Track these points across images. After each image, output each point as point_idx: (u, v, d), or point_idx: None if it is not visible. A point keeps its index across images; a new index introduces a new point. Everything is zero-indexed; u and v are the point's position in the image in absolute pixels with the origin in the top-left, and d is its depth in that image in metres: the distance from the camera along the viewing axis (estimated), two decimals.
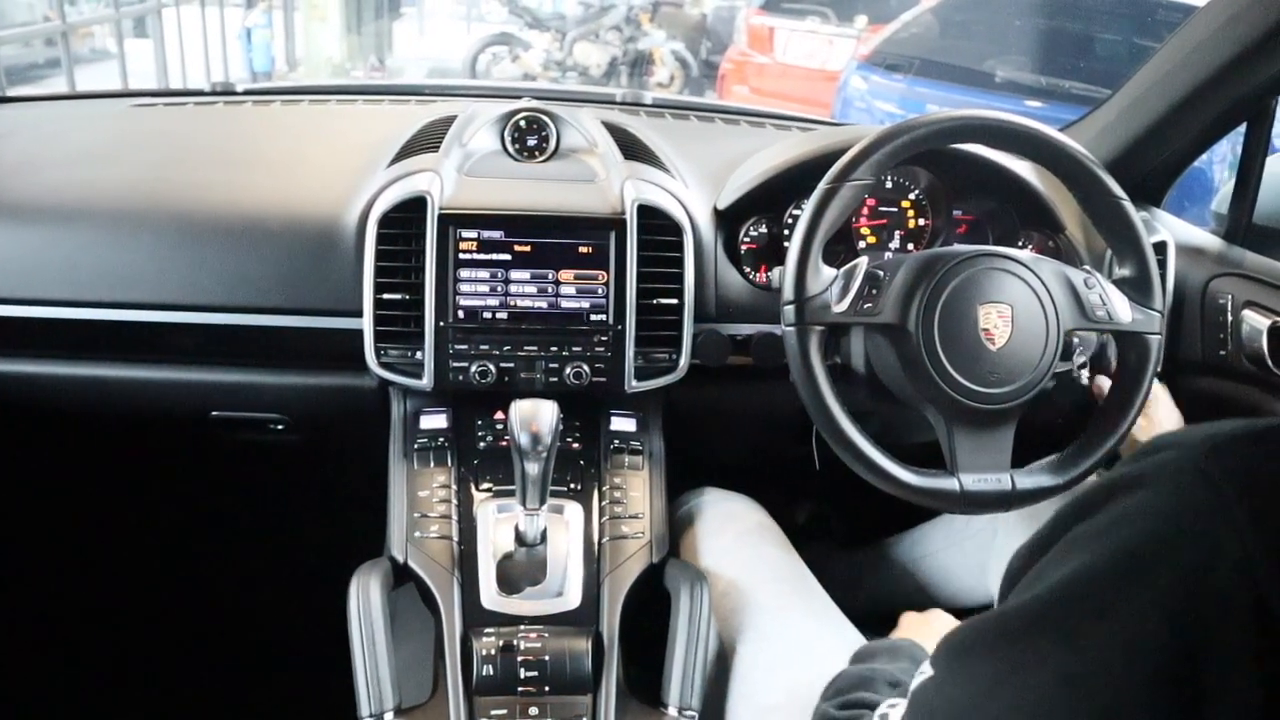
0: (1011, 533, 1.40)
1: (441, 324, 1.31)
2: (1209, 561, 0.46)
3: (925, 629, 1.18)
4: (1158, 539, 0.48)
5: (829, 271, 1.19)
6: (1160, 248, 1.47)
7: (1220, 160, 3.69)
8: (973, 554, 1.49)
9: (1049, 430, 1.32)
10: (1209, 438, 0.50)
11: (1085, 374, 1.33)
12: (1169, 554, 0.47)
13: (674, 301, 1.35)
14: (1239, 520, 0.46)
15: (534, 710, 1.12)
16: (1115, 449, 1.23)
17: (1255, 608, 0.44)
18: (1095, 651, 0.49)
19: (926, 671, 0.63)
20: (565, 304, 1.34)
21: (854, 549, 1.75)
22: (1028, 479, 1.20)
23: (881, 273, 1.19)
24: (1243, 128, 1.47)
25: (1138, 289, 1.23)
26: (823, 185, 1.19)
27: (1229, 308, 1.41)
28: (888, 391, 1.25)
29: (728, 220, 1.44)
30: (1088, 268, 1.26)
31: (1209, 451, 0.49)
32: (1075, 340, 1.30)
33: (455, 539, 1.26)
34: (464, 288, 1.32)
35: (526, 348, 1.33)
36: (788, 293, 1.18)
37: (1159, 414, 1.24)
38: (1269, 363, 1.34)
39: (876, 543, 1.72)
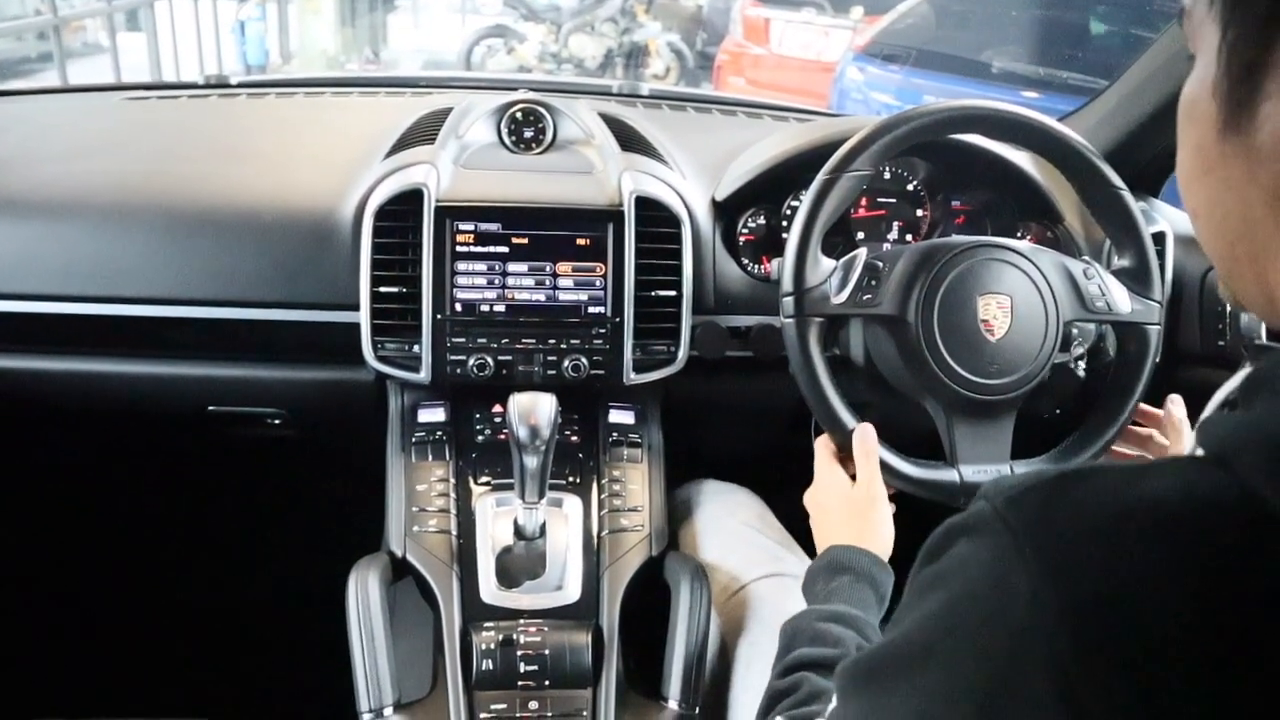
0: None
1: (439, 317, 1.30)
2: (1007, 603, 0.48)
3: (835, 507, 1.14)
4: (971, 587, 0.51)
5: (828, 263, 1.19)
6: (1159, 238, 1.47)
7: None
8: None
9: (1044, 422, 1.32)
10: (1010, 488, 0.53)
11: (1082, 366, 1.32)
12: (979, 601, 0.50)
13: (672, 293, 1.35)
14: (1029, 561, 0.48)
15: (534, 704, 1.12)
16: (1114, 439, 1.23)
17: (1049, 640, 0.46)
18: (927, 696, 0.52)
19: (833, 702, 0.66)
20: (563, 296, 1.33)
21: None
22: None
23: (880, 264, 1.19)
24: None
25: (1137, 279, 1.23)
26: (821, 176, 1.18)
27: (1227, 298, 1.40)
28: (886, 383, 1.24)
29: (726, 211, 1.44)
30: (1087, 258, 1.25)
31: (1007, 501, 0.51)
32: (1074, 331, 1.29)
33: (454, 533, 1.25)
34: (461, 280, 1.31)
35: (524, 341, 1.33)
36: (786, 284, 1.17)
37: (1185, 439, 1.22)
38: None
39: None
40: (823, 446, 1.19)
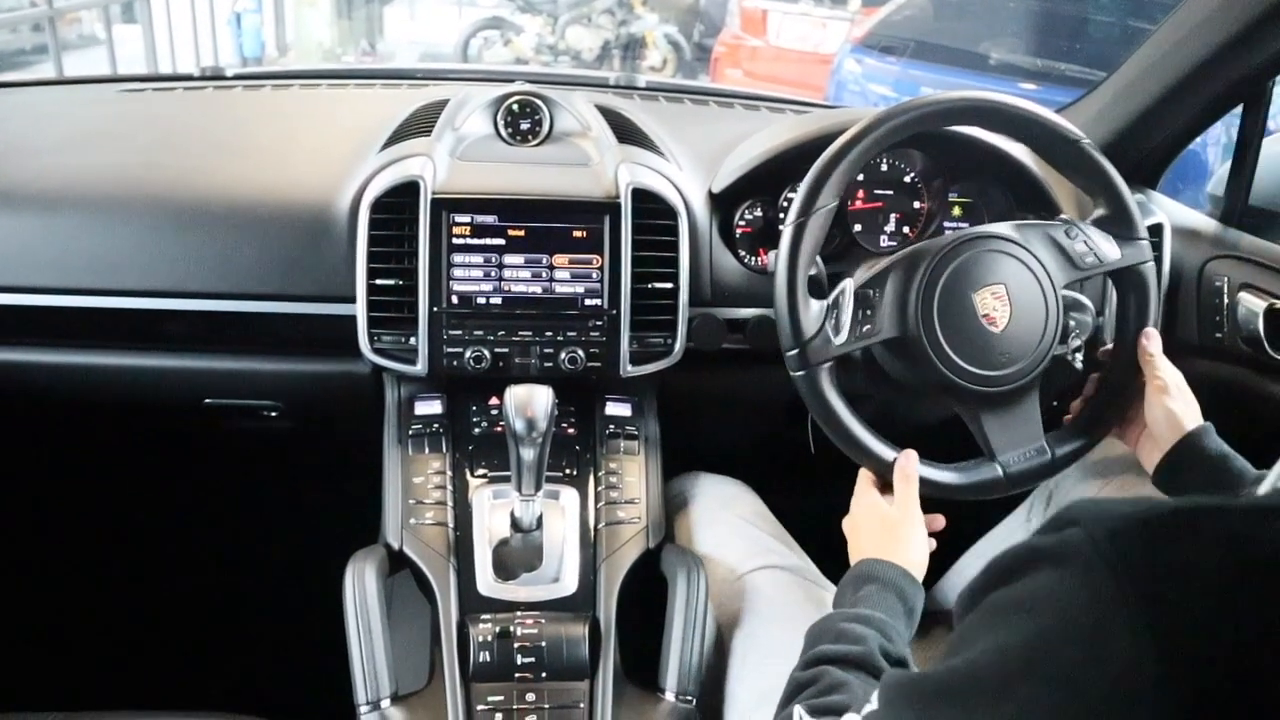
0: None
1: (435, 309, 1.30)
2: (1103, 651, 0.46)
3: (871, 525, 1.15)
4: (1058, 627, 0.48)
5: (818, 305, 1.17)
6: (1156, 230, 1.47)
7: (1214, 143, 3.68)
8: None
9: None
10: (1114, 520, 0.49)
11: (1079, 358, 1.32)
12: (1064, 645, 0.48)
13: (669, 285, 1.34)
14: (1133, 609, 0.45)
15: (531, 696, 1.12)
16: (1134, 394, 1.23)
17: (1149, 699, 0.44)
18: None
19: (874, 704, 0.65)
20: (559, 289, 1.33)
21: None
22: (1064, 445, 1.22)
23: (871, 291, 1.18)
24: (1238, 110, 1.47)
25: (1117, 223, 1.23)
26: (791, 221, 1.17)
27: (1225, 290, 1.40)
28: (884, 375, 1.24)
29: (723, 204, 1.44)
30: (1064, 216, 1.25)
31: (1110, 537, 0.48)
32: (1071, 323, 1.29)
33: (451, 525, 1.25)
34: (458, 273, 1.31)
35: (521, 333, 1.32)
36: (785, 340, 1.17)
37: (1180, 395, 1.20)
38: (1265, 345, 1.34)
39: None
40: (863, 475, 1.20)
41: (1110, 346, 1.28)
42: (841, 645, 0.94)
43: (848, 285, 1.18)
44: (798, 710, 0.86)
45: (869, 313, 1.17)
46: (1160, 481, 1.19)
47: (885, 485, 1.17)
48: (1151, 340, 1.21)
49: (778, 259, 1.17)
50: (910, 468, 1.15)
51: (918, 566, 1.08)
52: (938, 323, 1.16)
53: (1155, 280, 1.23)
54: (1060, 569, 0.49)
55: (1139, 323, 1.23)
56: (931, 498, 1.18)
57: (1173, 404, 1.18)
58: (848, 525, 1.17)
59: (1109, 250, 1.22)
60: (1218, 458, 1.14)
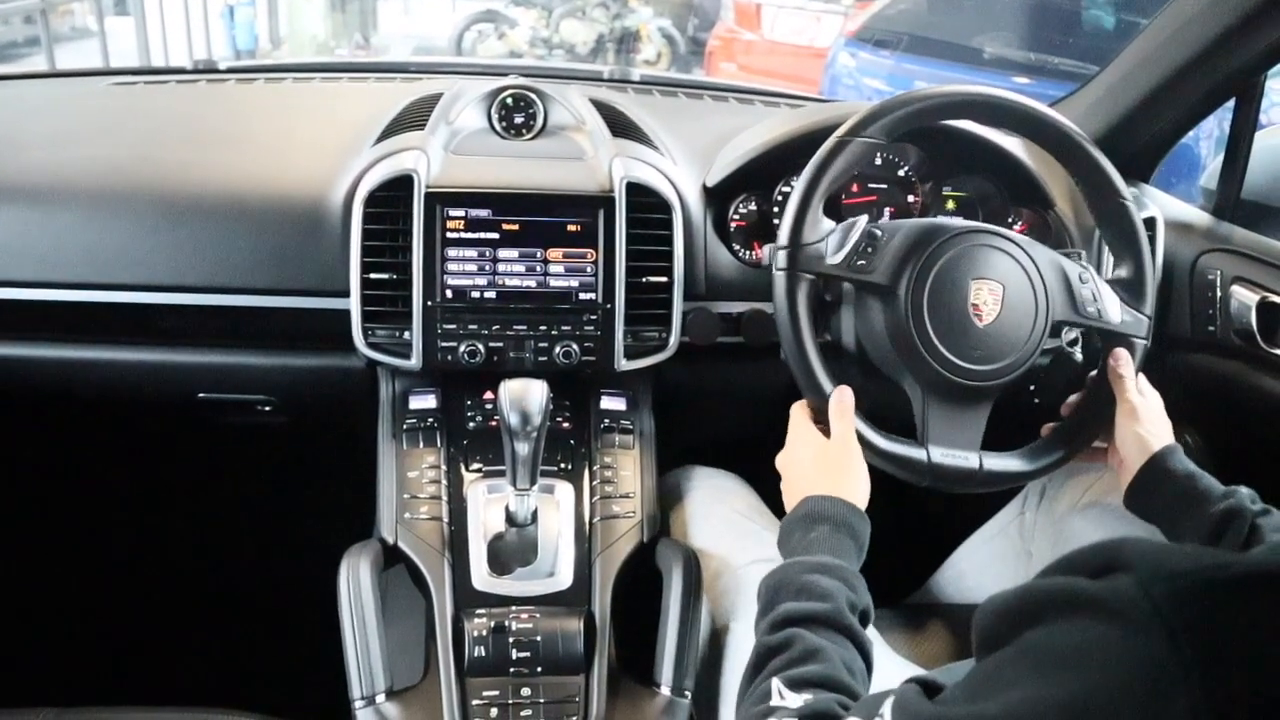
0: (1042, 537, 1.40)
1: (429, 304, 1.30)
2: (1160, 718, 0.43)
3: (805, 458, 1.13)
4: (1111, 688, 0.45)
5: (828, 223, 1.19)
6: (1150, 224, 1.47)
7: (1206, 136, 3.69)
8: (999, 555, 1.45)
9: (1038, 410, 1.32)
10: (1174, 577, 0.45)
11: (1079, 350, 1.33)
12: (1119, 708, 0.45)
13: (663, 280, 1.34)
14: (1193, 677, 0.42)
15: (526, 691, 1.12)
16: (1089, 441, 1.23)
17: None
18: None
19: (886, 716, 0.62)
20: (554, 283, 1.33)
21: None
22: (997, 462, 1.20)
23: (879, 233, 1.19)
24: (1231, 104, 1.47)
25: (1131, 291, 1.24)
26: (835, 136, 1.19)
27: (1218, 283, 1.41)
28: (875, 369, 1.24)
29: (717, 198, 1.43)
30: (1084, 263, 1.25)
31: (1171, 597, 0.45)
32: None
33: (445, 520, 1.25)
34: (452, 267, 1.31)
35: (515, 327, 1.32)
36: (783, 237, 1.17)
37: (1149, 419, 1.20)
38: (1258, 338, 1.34)
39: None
40: (798, 409, 1.19)
41: (1077, 397, 1.27)
42: (807, 602, 0.92)
43: (861, 219, 1.20)
44: (775, 684, 0.84)
45: (870, 251, 1.18)
46: (1131, 504, 1.18)
47: (820, 422, 1.16)
48: (1121, 362, 1.21)
49: (808, 166, 1.18)
50: (847, 403, 1.14)
51: (862, 498, 1.08)
52: (928, 290, 1.16)
53: (1141, 358, 1.23)
54: (1111, 624, 0.46)
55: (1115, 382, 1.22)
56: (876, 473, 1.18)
57: (1140, 428, 1.18)
58: (783, 461, 1.16)
59: (1113, 311, 1.22)
60: (1184, 477, 1.13)
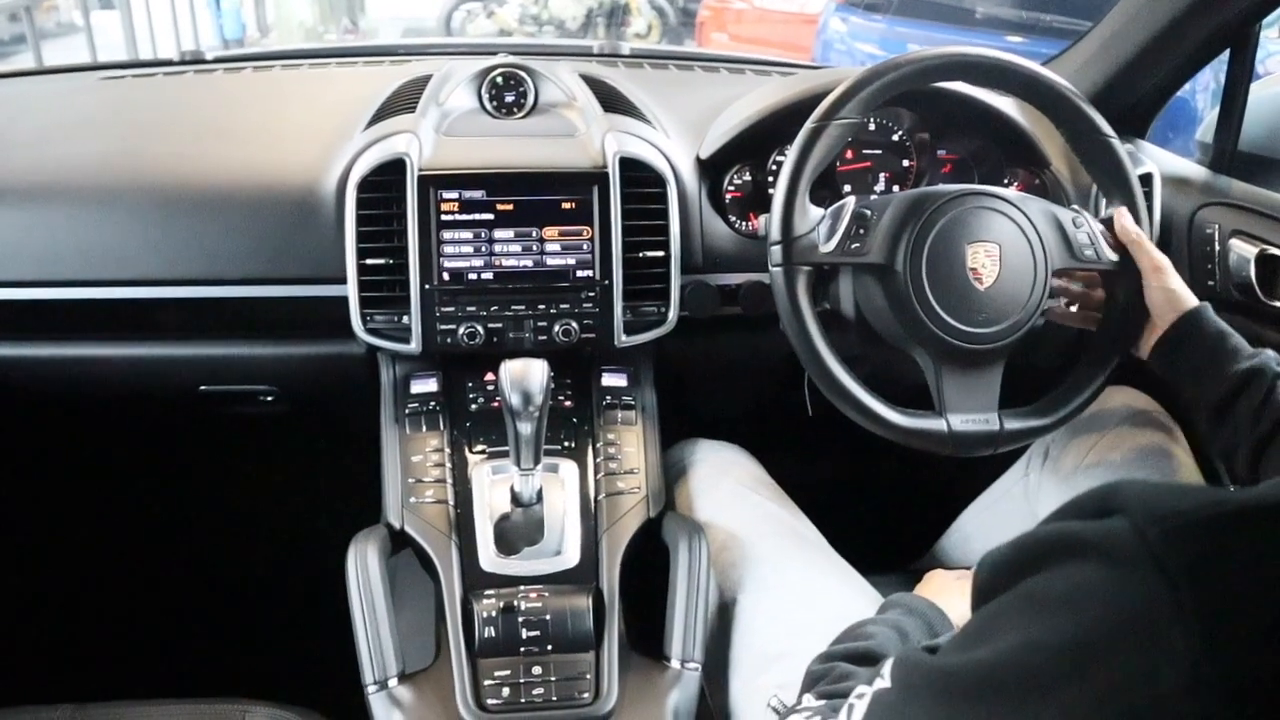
0: (1047, 498, 1.40)
1: (427, 287, 1.30)
2: (1154, 669, 0.42)
3: (950, 587, 1.15)
4: (1107, 631, 0.45)
5: (816, 211, 1.19)
6: (1146, 179, 1.46)
7: (1203, 89, 3.66)
8: (1005, 518, 1.47)
9: (1041, 371, 1.32)
10: (1167, 516, 0.44)
11: (1075, 309, 1.32)
12: (1115, 652, 0.44)
13: (660, 254, 1.34)
14: (1190, 621, 0.42)
15: (537, 669, 1.12)
16: (1102, 388, 1.23)
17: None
18: None
19: (885, 680, 0.63)
20: (551, 261, 1.32)
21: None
22: (1016, 420, 1.20)
23: (869, 212, 1.19)
24: (1225, 55, 1.46)
25: None
26: (809, 124, 1.18)
27: (1216, 237, 1.40)
28: (877, 336, 1.24)
29: (711, 169, 1.43)
30: (1075, 207, 1.25)
31: (1163, 536, 0.44)
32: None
33: (451, 503, 1.26)
34: (448, 249, 1.30)
35: (514, 307, 1.32)
36: (774, 233, 1.17)
37: (1177, 280, 1.19)
38: (1257, 291, 1.34)
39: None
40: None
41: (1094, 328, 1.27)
42: (851, 643, 0.96)
43: (849, 201, 1.20)
44: (806, 698, 0.87)
45: (862, 232, 1.18)
46: (1157, 361, 1.18)
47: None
48: (1129, 221, 1.20)
49: (788, 157, 1.18)
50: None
51: (954, 615, 1.08)
52: (925, 262, 1.16)
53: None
54: (1105, 565, 0.45)
55: (1121, 323, 1.22)
56: (882, 437, 1.19)
57: (1170, 282, 1.18)
58: (941, 579, 1.18)
59: (1110, 250, 1.21)
60: (1215, 335, 1.14)
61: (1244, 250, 1.35)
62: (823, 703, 0.84)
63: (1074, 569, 0.47)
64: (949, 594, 1.12)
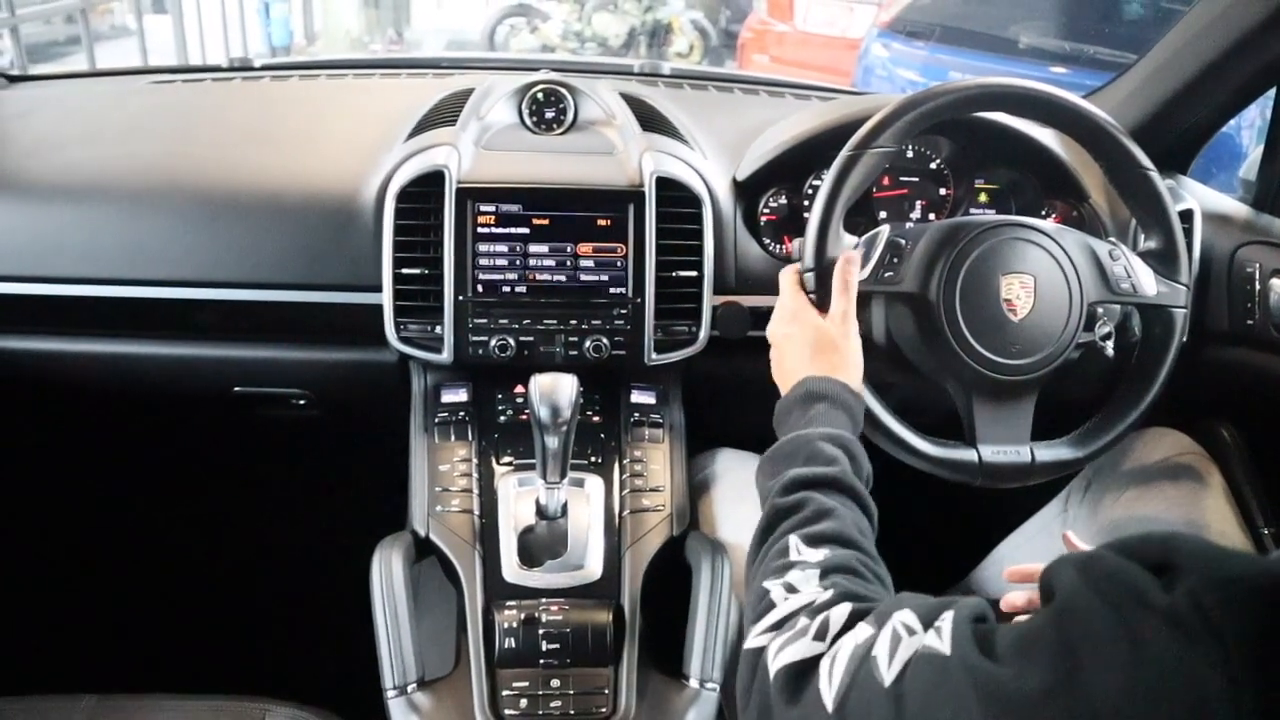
0: (1085, 534, 1.38)
1: (461, 298, 1.31)
2: None
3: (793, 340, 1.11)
4: (1158, 692, 0.46)
5: (850, 239, 1.19)
6: (1187, 215, 1.45)
7: (1248, 126, 3.62)
8: (1044, 553, 1.44)
9: (1073, 403, 1.31)
10: (1222, 581, 0.45)
11: (1110, 345, 1.31)
12: (1160, 710, 0.46)
13: (693, 274, 1.34)
14: (1243, 693, 0.43)
15: (555, 682, 1.13)
16: (1136, 424, 1.22)
17: None
18: None
19: (943, 645, 0.62)
20: (584, 277, 1.33)
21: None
22: (1048, 452, 1.19)
23: (903, 241, 1.19)
24: (1272, 93, 1.45)
25: (1163, 261, 1.22)
26: (845, 152, 1.18)
27: (1256, 276, 1.39)
28: (908, 363, 1.24)
29: (747, 191, 1.43)
30: (1112, 239, 1.24)
31: (1221, 603, 0.45)
32: (1099, 310, 1.28)
33: (476, 513, 1.26)
34: (483, 261, 1.31)
35: (546, 321, 1.33)
36: (808, 260, 1.17)
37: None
38: None
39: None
40: (787, 275, 1.17)
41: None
42: (815, 467, 0.92)
43: (884, 229, 1.20)
44: (792, 540, 0.84)
45: (896, 261, 1.18)
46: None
47: (809, 291, 1.14)
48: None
49: (823, 183, 1.17)
50: (850, 274, 1.12)
51: (857, 380, 1.06)
52: (959, 293, 1.16)
53: (1183, 327, 1.22)
54: (1167, 627, 0.46)
55: (1155, 361, 1.22)
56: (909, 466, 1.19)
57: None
58: (774, 332, 1.14)
59: (1147, 284, 1.20)
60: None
61: None
62: (823, 556, 0.82)
63: (1135, 622, 0.48)
64: (817, 346, 1.08)
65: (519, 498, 1.27)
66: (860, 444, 0.99)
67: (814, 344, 1.09)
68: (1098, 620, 0.50)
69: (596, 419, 1.37)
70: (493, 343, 1.32)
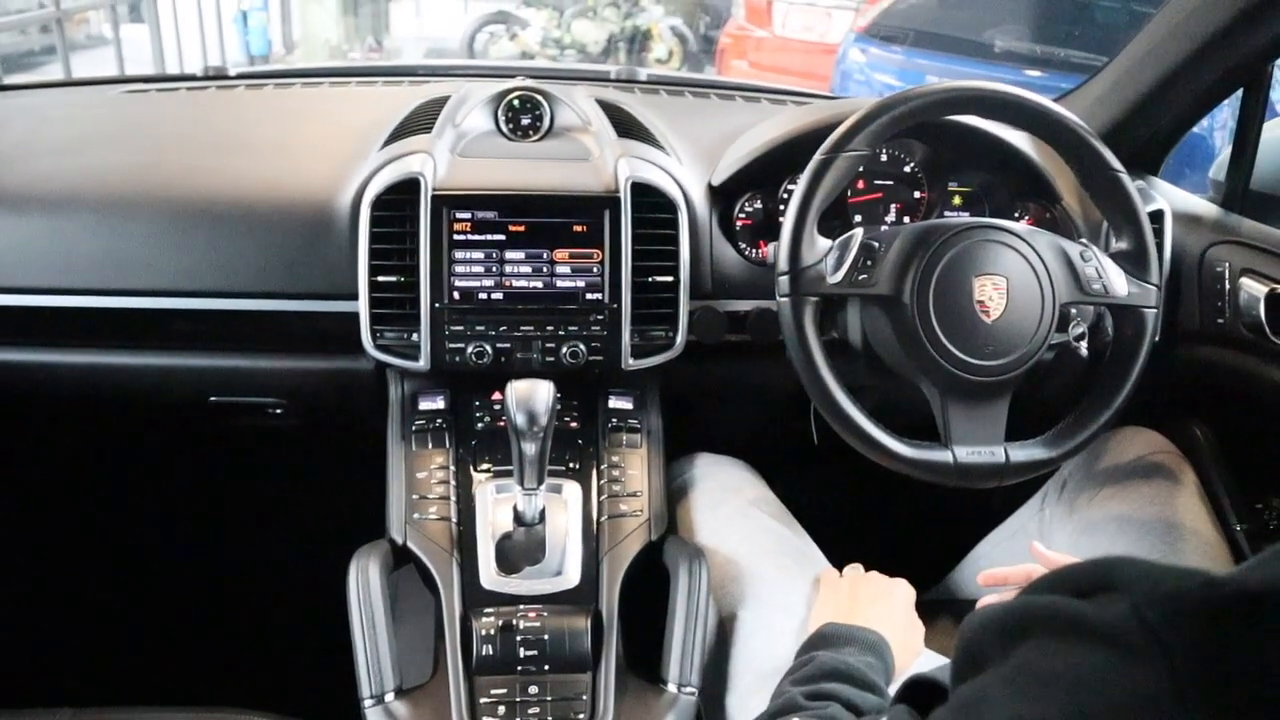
0: (1061, 534, 1.39)
1: (437, 305, 1.31)
2: None
3: (874, 598, 1.16)
4: (1105, 715, 0.44)
5: (824, 243, 1.19)
6: (1157, 216, 1.46)
7: (1220, 126, 3.66)
8: (1021, 554, 1.46)
9: (1047, 404, 1.32)
10: (1167, 598, 0.44)
11: (1084, 346, 1.32)
12: None
13: (669, 279, 1.35)
14: (1194, 715, 0.42)
15: (534, 689, 1.13)
16: (1110, 423, 1.23)
17: None
18: None
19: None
20: (560, 283, 1.33)
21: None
22: (1022, 452, 1.20)
23: (877, 244, 1.19)
24: (1240, 93, 1.46)
25: (1134, 262, 1.23)
26: (818, 156, 1.18)
27: (1226, 275, 1.40)
28: (883, 365, 1.25)
29: (722, 196, 1.44)
30: (1084, 240, 1.26)
31: (1165, 618, 0.43)
32: (1072, 311, 1.30)
33: (454, 520, 1.26)
34: (459, 269, 1.31)
35: (523, 328, 1.33)
36: (782, 264, 1.18)
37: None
38: (1267, 330, 1.33)
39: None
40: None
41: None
42: (854, 688, 0.97)
43: (857, 232, 1.21)
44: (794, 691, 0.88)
45: (870, 263, 1.19)
46: None
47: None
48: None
49: (797, 187, 1.18)
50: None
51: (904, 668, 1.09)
52: (932, 294, 1.16)
53: (1155, 327, 1.23)
54: (1105, 648, 0.45)
55: (1127, 360, 1.23)
56: (884, 466, 1.20)
57: None
58: (873, 576, 1.20)
59: (1118, 285, 1.21)
60: None
61: (1254, 289, 1.35)
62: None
63: (1071, 647, 0.46)
64: (866, 605, 1.13)
65: (497, 504, 1.27)
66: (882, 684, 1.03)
67: (903, 622, 1.15)
68: (1030, 655, 0.49)
69: (574, 425, 1.37)
70: (470, 350, 1.31)
